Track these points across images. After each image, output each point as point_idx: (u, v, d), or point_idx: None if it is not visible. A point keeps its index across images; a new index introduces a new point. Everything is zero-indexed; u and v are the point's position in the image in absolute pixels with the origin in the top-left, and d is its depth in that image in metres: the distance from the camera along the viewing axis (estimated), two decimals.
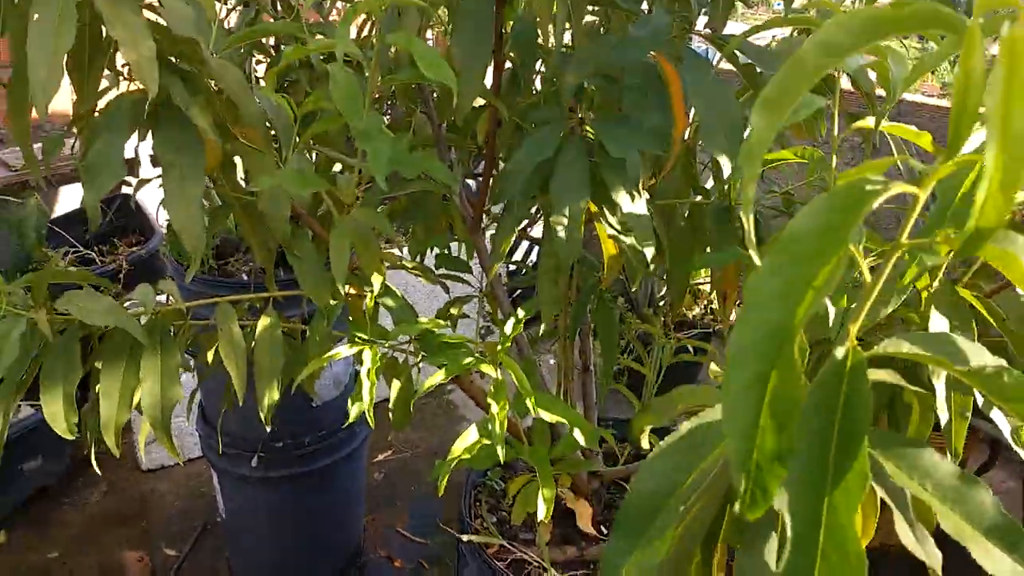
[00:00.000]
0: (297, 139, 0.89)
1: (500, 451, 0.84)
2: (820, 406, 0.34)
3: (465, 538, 1.03)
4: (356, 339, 0.91)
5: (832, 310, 0.63)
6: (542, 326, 0.97)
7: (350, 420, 0.87)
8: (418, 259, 1.12)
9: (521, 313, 0.90)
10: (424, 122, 1.03)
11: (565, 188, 0.80)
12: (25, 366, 0.81)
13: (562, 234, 0.79)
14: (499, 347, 0.90)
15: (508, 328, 0.91)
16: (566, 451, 1.08)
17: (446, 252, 1.12)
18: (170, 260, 1.63)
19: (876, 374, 0.49)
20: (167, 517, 2.14)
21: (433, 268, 1.11)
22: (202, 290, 1.50)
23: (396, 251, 1.59)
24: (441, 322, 0.94)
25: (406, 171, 0.83)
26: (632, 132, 0.80)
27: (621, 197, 0.80)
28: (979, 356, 0.39)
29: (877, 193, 0.30)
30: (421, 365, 0.99)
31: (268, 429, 0.93)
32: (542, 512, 0.91)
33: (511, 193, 0.80)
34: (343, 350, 0.90)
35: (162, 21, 0.83)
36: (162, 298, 0.96)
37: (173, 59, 0.84)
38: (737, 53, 0.81)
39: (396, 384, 0.99)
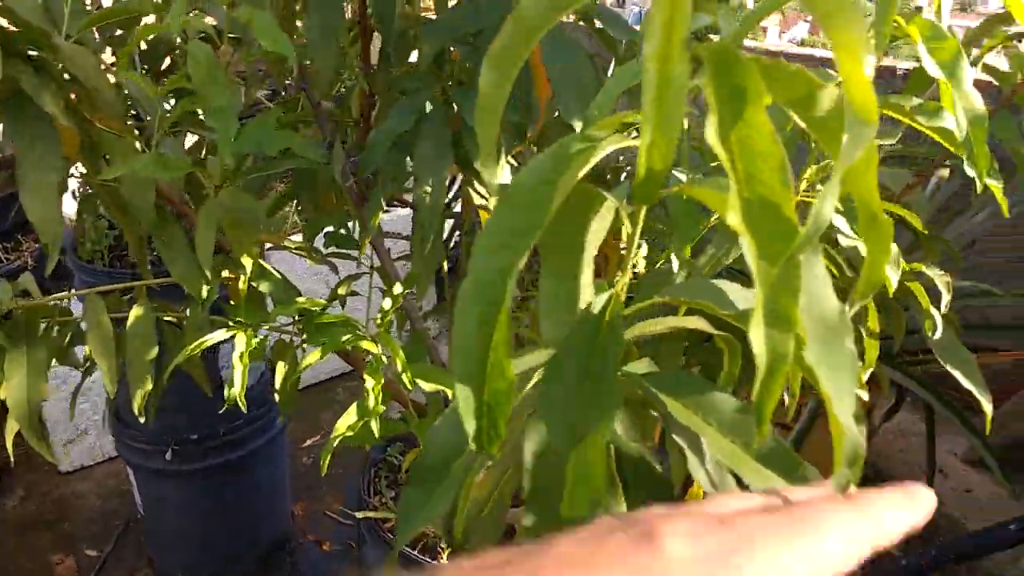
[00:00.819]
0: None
1: (374, 426, 0.85)
2: (576, 350, 0.35)
3: (360, 515, 1.03)
4: (230, 324, 0.91)
5: None
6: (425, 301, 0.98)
7: (225, 406, 0.86)
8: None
9: (399, 288, 0.91)
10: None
11: (426, 158, 0.80)
12: None
13: (426, 202, 0.79)
14: (377, 322, 0.90)
15: (386, 303, 0.91)
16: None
17: (341, 231, 1.11)
18: (70, 256, 1.59)
19: (687, 321, 0.51)
20: (88, 518, 2.10)
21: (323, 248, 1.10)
22: (96, 282, 1.46)
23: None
24: (320, 301, 0.93)
25: (268, 148, 0.82)
26: None
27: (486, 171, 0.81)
28: (746, 301, 0.41)
29: (590, 151, 0.32)
30: (307, 347, 0.99)
31: (142, 419, 0.92)
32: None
33: (373, 165, 0.81)
34: (219, 335, 0.89)
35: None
36: None
37: (21, 46, 0.82)
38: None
39: (280, 367, 0.99)
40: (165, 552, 1.95)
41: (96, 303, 0.90)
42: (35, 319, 0.89)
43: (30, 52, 0.82)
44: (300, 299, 0.93)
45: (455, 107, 0.81)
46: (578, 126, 0.80)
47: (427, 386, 0.88)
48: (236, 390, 0.87)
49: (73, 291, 0.92)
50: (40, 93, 0.80)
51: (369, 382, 0.88)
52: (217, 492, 1.84)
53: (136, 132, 0.89)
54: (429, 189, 0.79)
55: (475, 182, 0.84)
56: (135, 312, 0.92)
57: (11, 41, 0.81)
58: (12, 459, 0.92)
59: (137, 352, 0.91)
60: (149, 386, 0.91)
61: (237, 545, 1.92)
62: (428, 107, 0.81)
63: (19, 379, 0.85)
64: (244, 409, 0.87)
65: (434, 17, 0.87)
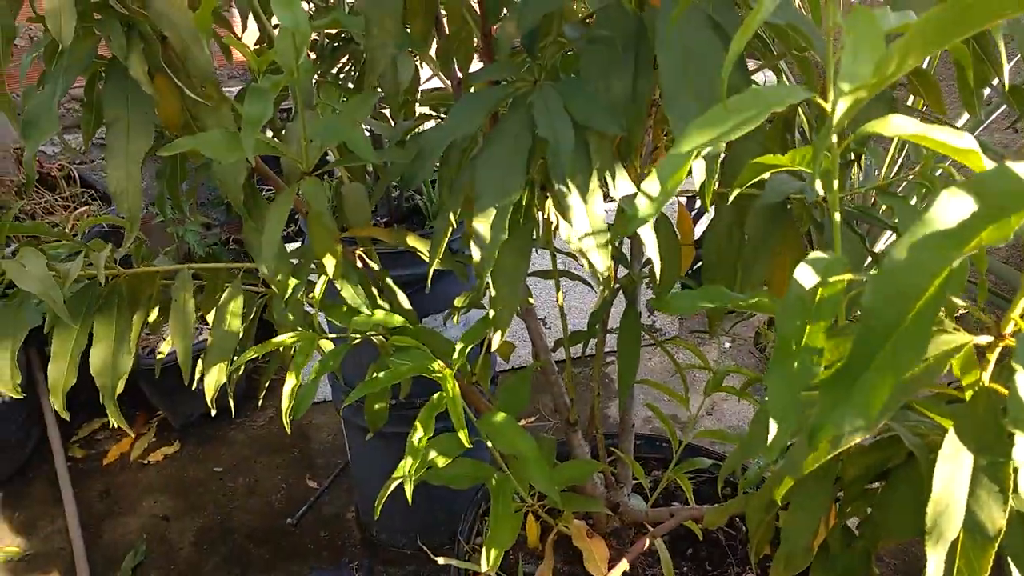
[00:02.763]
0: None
1: (408, 487, 0.70)
2: None
3: (441, 560, 0.90)
4: (299, 329, 0.81)
5: None
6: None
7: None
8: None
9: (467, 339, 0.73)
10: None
11: (491, 174, 0.61)
12: None
13: (484, 236, 0.60)
14: (454, 361, 0.74)
15: (460, 343, 0.74)
16: (575, 480, 0.89)
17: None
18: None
19: None
20: (317, 449, 2.25)
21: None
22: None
23: None
24: (396, 319, 0.79)
25: (326, 140, 0.69)
26: (580, 99, 0.58)
27: (571, 197, 0.59)
28: None
29: None
30: None
31: (213, 412, 0.86)
32: (486, 566, 0.74)
33: (419, 179, 0.63)
34: (284, 339, 0.80)
35: None
36: None
37: (114, 2, 0.77)
38: None
39: (368, 380, 0.87)
40: (368, 504, 2.01)
41: (186, 281, 0.86)
42: (131, 289, 0.87)
43: (121, 8, 0.78)
44: (379, 313, 0.80)
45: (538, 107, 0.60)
46: (691, 142, 0.55)
47: (502, 445, 0.71)
48: (285, 405, 0.77)
49: (175, 264, 0.88)
50: (129, 55, 0.75)
51: (419, 431, 0.72)
52: None
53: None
54: (490, 217, 0.59)
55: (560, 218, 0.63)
56: (223, 296, 0.86)
57: None
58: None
59: (221, 338, 0.85)
60: (223, 378, 0.85)
61: (435, 514, 1.91)
62: (505, 105, 0.62)
63: (103, 347, 0.84)
64: (288, 429, 0.77)
65: None
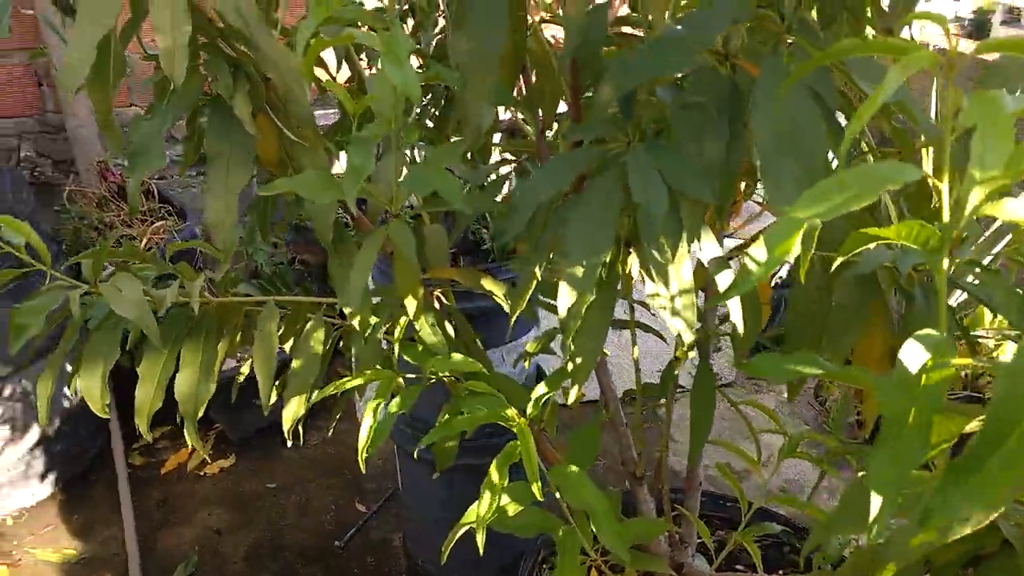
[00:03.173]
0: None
1: (480, 536, 0.70)
2: None
3: None
4: (375, 368, 0.82)
5: None
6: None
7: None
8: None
9: (542, 389, 0.74)
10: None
11: (581, 230, 0.61)
12: (74, 337, 0.85)
13: (571, 290, 0.61)
14: (528, 410, 0.75)
15: (539, 389, 0.75)
16: (643, 538, 0.89)
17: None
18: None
19: None
20: (367, 474, 2.27)
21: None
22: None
23: None
24: (475, 364, 0.80)
25: (419, 189, 0.71)
26: (674, 163, 0.59)
27: (660, 260, 0.60)
28: None
29: None
30: None
31: (289, 443, 0.88)
32: None
33: (511, 234, 0.64)
34: (356, 381, 0.81)
35: None
36: None
37: (222, 44, 0.81)
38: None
39: (440, 424, 0.88)
40: (415, 532, 2.01)
41: (272, 312, 0.88)
42: (218, 317, 0.90)
43: (229, 50, 0.81)
44: (456, 356, 0.81)
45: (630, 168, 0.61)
46: (803, 212, 0.54)
47: (572, 500, 0.71)
48: (362, 443, 0.78)
49: (260, 296, 0.91)
50: (234, 94, 0.79)
51: (494, 474, 0.73)
52: (465, 491, 1.84)
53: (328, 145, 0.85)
54: (580, 272, 0.60)
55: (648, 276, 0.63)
56: (307, 328, 0.88)
57: (211, 35, 0.80)
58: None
59: (301, 370, 0.88)
60: (302, 410, 0.87)
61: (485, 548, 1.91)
62: (596, 163, 0.62)
63: (189, 373, 0.87)
64: (363, 469, 0.78)
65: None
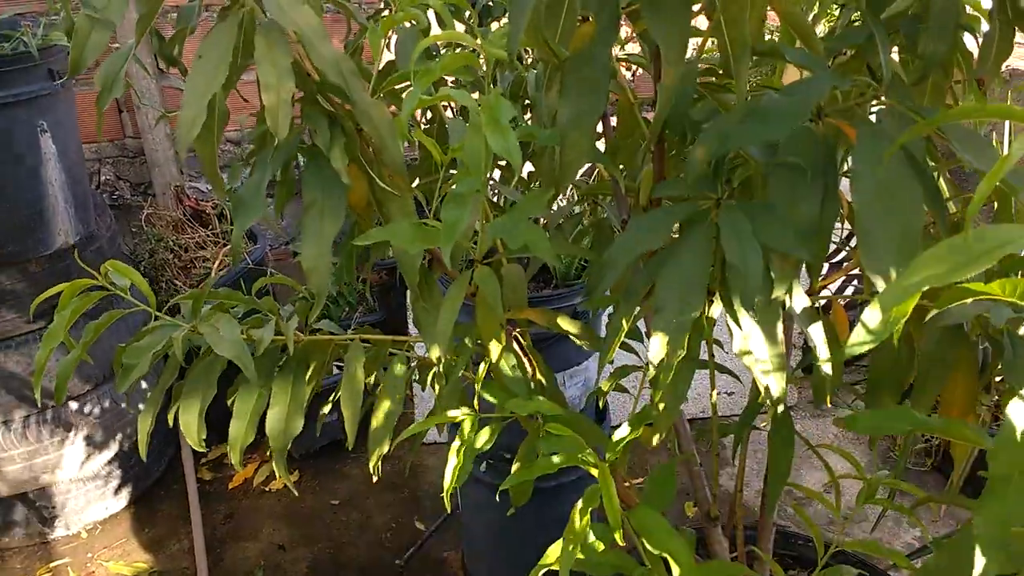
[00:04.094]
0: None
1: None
2: None
3: None
4: (459, 407, 0.85)
5: None
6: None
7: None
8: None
9: (624, 432, 0.75)
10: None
11: (673, 287, 0.63)
12: (173, 375, 0.89)
13: (663, 343, 0.62)
14: (608, 455, 0.76)
15: (621, 431, 0.76)
16: None
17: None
18: None
19: None
20: (426, 492, 2.30)
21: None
22: None
23: None
24: (553, 407, 0.82)
25: (509, 239, 0.74)
26: (769, 223, 0.60)
27: (744, 316, 0.61)
28: None
29: None
30: None
31: (375, 478, 0.91)
32: None
33: (604, 288, 0.66)
34: (439, 419, 0.84)
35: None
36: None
37: (320, 98, 0.85)
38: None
39: (516, 469, 0.90)
40: (474, 552, 2.04)
41: (357, 352, 0.91)
42: (305, 353, 0.94)
43: (328, 105, 0.85)
44: (540, 399, 0.83)
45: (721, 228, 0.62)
46: (918, 275, 0.55)
47: (650, 546, 0.72)
48: (447, 483, 0.81)
49: (348, 333, 0.95)
50: (332, 147, 0.82)
51: (577, 519, 0.75)
52: (523, 511, 1.85)
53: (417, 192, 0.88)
54: (664, 336, 0.61)
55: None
56: (392, 369, 0.91)
57: (309, 90, 0.84)
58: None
59: (384, 411, 0.91)
60: (386, 448, 0.90)
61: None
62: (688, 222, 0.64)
63: (280, 410, 0.90)
64: (448, 509, 0.80)
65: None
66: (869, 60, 0.78)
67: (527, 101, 1.13)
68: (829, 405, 0.58)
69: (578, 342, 0.96)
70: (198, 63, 0.79)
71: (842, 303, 0.90)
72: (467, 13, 1.44)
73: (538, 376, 0.96)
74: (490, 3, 1.35)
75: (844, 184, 0.68)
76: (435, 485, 2.33)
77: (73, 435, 2.13)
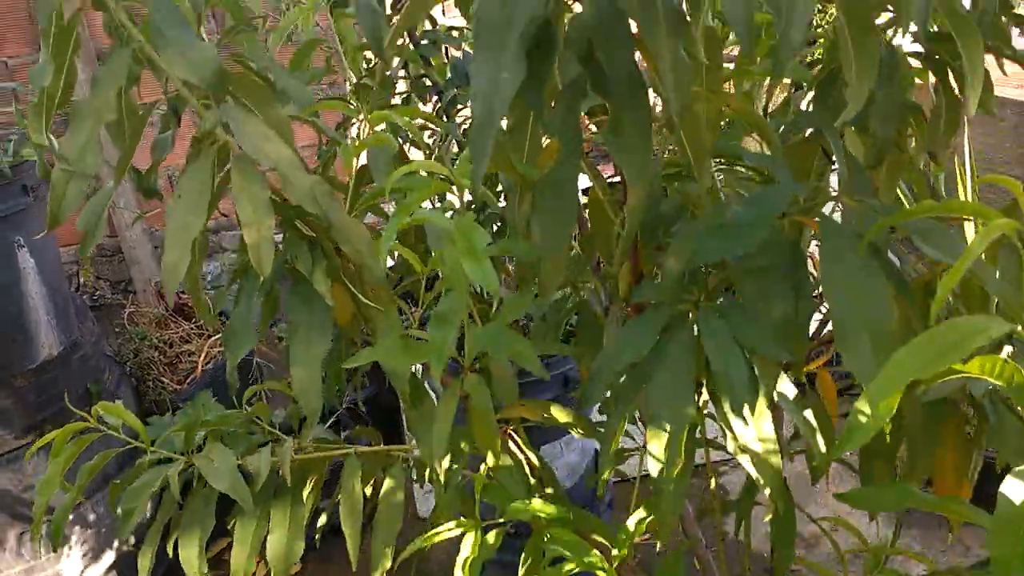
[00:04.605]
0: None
1: None
2: None
3: None
4: (462, 519, 0.85)
5: None
6: None
7: None
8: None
9: (635, 520, 0.75)
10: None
11: (663, 395, 0.64)
12: (171, 511, 0.89)
13: (654, 463, 0.63)
14: (615, 553, 0.76)
15: (626, 531, 0.77)
16: None
17: None
18: None
19: None
20: (435, 569, 2.26)
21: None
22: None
23: None
24: (554, 508, 0.82)
25: (496, 354, 0.75)
26: (747, 326, 0.62)
27: (734, 419, 0.62)
28: None
29: None
30: None
31: None
32: None
33: (596, 398, 0.67)
34: (447, 531, 0.84)
35: None
36: None
37: (298, 221, 0.86)
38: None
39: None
40: None
41: (354, 467, 0.91)
42: (306, 471, 0.93)
43: (306, 230, 0.86)
44: (536, 502, 0.84)
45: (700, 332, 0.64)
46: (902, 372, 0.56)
47: None
48: None
49: (342, 448, 0.95)
50: (313, 271, 0.83)
51: None
52: None
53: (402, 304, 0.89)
54: (661, 443, 0.62)
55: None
56: (387, 483, 0.91)
57: (288, 216, 0.85)
58: None
59: (384, 522, 0.90)
60: (389, 562, 0.89)
61: None
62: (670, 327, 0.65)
63: (280, 534, 0.90)
64: None
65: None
66: (822, 143, 0.81)
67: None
68: (842, 494, 0.59)
69: (564, 425, 0.96)
70: (178, 203, 0.80)
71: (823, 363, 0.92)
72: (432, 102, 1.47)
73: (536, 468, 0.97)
74: (456, 91, 1.38)
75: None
76: (443, 562, 2.29)
77: (69, 548, 2.09)
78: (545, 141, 0.74)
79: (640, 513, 0.77)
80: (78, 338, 2.12)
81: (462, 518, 0.86)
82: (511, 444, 0.93)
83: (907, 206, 0.93)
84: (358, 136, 0.97)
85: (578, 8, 0.64)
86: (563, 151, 0.67)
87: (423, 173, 0.75)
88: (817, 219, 0.62)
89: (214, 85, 0.78)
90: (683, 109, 0.56)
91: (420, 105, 1.45)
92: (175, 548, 0.92)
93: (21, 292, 1.93)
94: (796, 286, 0.63)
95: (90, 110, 0.79)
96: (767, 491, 0.63)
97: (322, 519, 1.04)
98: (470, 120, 1.42)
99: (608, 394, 0.76)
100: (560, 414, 0.98)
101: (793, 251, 0.63)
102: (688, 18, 0.57)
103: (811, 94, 0.83)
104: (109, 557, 2.17)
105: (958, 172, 1.20)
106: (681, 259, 0.63)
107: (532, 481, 0.90)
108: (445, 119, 1.34)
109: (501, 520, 0.86)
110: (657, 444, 0.63)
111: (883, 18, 0.73)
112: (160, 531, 0.89)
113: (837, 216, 0.66)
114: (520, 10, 0.53)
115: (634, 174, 0.58)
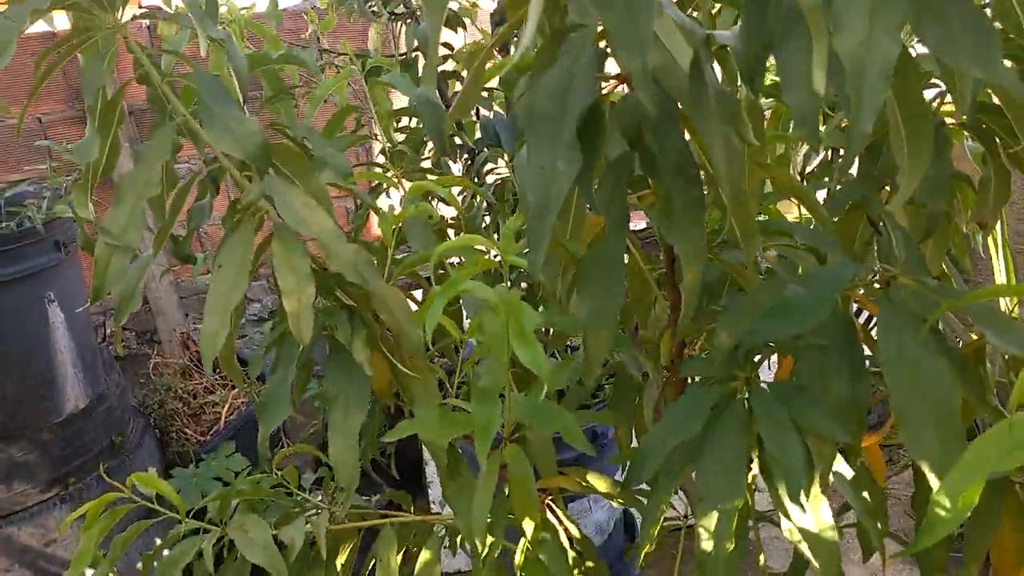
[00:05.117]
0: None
1: None
2: None
3: None
4: None
5: None
6: None
7: None
8: None
9: None
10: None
11: (712, 479, 0.62)
12: None
13: (706, 544, 0.61)
14: None
15: None
16: None
17: None
18: None
19: None
20: None
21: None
22: None
23: None
24: None
25: (539, 427, 0.73)
26: (804, 406, 0.60)
27: (790, 504, 0.60)
28: None
29: None
30: None
31: None
32: None
33: (643, 477, 0.66)
34: None
35: None
36: None
37: (336, 290, 0.86)
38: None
39: None
40: None
41: (390, 539, 0.90)
42: (339, 541, 0.92)
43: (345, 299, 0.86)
44: None
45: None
46: (975, 469, 0.55)
47: None
48: None
49: (377, 518, 0.93)
50: (353, 340, 0.83)
51: None
52: None
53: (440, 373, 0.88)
54: (711, 526, 0.61)
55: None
56: (423, 557, 0.89)
57: (328, 285, 0.85)
58: None
59: None
60: None
61: None
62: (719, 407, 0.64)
63: None
64: None
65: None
66: (868, 212, 0.80)
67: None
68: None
69: (602, 494, 0.94)
70: (219, 273, 0.81)
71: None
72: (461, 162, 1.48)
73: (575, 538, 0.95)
74: (486, 152, 1.39)
75: None
76: None
77: None
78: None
79: None
80: (104, 390, 2.12)
81: None
82: (549, 515, 0.91)
83: (948, 274, 0.92)
84: (398, 204, 0.97)
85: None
86: (609, 227, 0.66)
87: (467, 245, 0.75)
88: (873, 299, 0.61)
89: (258, 159, 0.79)
90: (736, 194, 0.55)
91: (450, 163, 1.46)
92: None
93: (50, 347, 1.94)
94: (852, 366, 0.62)
95: (135, 184, 0.79)
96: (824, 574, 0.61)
97: None
98: (497, 184, 1.42)
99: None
100: (599, 482, 0.96)
101: (848, 329, 0.62)
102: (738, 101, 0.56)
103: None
104: None
105: (991, 239, 1.19)
106: (733, 335, 0.62)
107: (572, 555, 0.88)
108: (476, 179, 1.34)
109: None
110: (707, 523, 0.62)
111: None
112: None
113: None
114: (574, 101, 0.53)
115: (690, 254, 0.57)
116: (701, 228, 0.57)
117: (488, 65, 0.70)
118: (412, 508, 1.06)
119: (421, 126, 1.28)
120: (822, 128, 1.01)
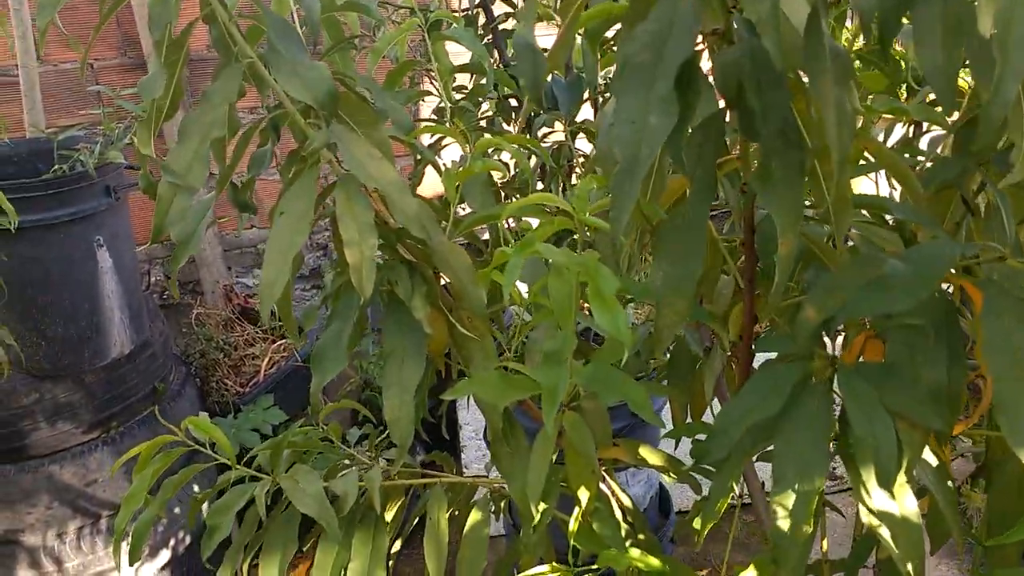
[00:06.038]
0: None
1: None
2: None
3: None
4: (552, 565, 0.81)
5: None
6: None
7: None
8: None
9: None
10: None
11: (792, 460, 0.60)
12: (252, 531, 0.87)
13: (782, 524, 0.59)
14: None
15: None
16: None
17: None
18: None
19: None
20: None
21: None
22: None
23: None
24: (651, 561, 0.78)
25: (604, 396, 0.71)
26: (897, 390, 0.57)
27: (872, 484, 0.57)
28: None
29: None
30: None
31: None
32: None
33: (720, 454, 0.63)
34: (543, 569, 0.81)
35: None
36: None
37: (400, 244, 0.84)
38: None
39: None
40: None
41: (440, 499, 0.88)
42: (387, 498, 0.91)
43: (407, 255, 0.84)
44: (633, 552, 0.80)
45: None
46: None
47: None
48: None
49: (428, 477, 0.92)
50: (413, 296, 0.81)
51: None
52: None
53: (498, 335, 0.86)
54: (787, 506, 0.58)
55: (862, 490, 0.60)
56: (473, 516, 0.88)
57: (389, 239, 0.83)
58: None
59: (468, 560, 0.87)
60: None
61: None
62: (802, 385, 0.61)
63: (361, 563, 0.87)
64: None
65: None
66: (962, 191, 0.76)
67: None
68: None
69: (657, 467, 0.92)
70: (281, 220, 0.79)
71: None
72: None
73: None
74: (544, 115, 1.35)
75: None
76: None
77: (126, 544, 2.11)
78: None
79: (751, 572, 0.73)
80: (148, 337, 2.14)
81: (554, 563, 0.82)
82: (602, 485, 0.89)
83: None
84: (459, 160, 0.95)
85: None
86: (694, 191, 0.63)
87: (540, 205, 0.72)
88: (976, 280, 0.57)
89: (327, 105, 0.76)
90: (843, 161, 0.52)
91: (504, 126, 1.43)
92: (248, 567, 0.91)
93: (97, 291, 1.96)
94: (949, 350, 0.58)
95: (199, 125, 0.78)
96: (908, 566, 0.58)
97: (396, 545, 1.02)
98: (553, 148, 1.38)
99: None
100: (652, 456, 0.94)
101: (948, 310, 0.58)
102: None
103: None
104: (164, 556, 2.19)
105: None
106: (821, 311, 0.58)
107: (624, 527, 0.86)
108: None
109: (594, 566, 0.82)
110: (785, 502, 0.59)
111: None
112: (241, 550, 0.87)
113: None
114: (672, 52, 0.49)
115: (787, 223, 0.54)
116: (800, 195, 0.54)
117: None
118: (454, 470, 1.05)
119: (482, 83, 1.25)
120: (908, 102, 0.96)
